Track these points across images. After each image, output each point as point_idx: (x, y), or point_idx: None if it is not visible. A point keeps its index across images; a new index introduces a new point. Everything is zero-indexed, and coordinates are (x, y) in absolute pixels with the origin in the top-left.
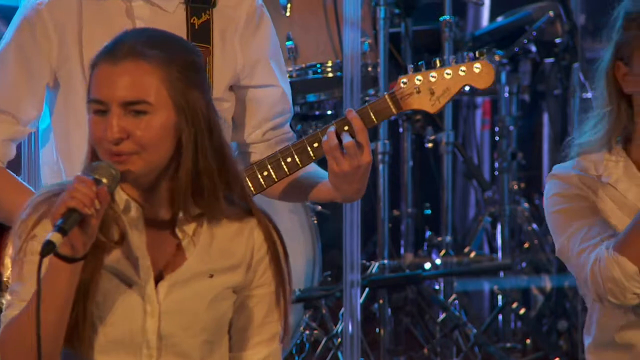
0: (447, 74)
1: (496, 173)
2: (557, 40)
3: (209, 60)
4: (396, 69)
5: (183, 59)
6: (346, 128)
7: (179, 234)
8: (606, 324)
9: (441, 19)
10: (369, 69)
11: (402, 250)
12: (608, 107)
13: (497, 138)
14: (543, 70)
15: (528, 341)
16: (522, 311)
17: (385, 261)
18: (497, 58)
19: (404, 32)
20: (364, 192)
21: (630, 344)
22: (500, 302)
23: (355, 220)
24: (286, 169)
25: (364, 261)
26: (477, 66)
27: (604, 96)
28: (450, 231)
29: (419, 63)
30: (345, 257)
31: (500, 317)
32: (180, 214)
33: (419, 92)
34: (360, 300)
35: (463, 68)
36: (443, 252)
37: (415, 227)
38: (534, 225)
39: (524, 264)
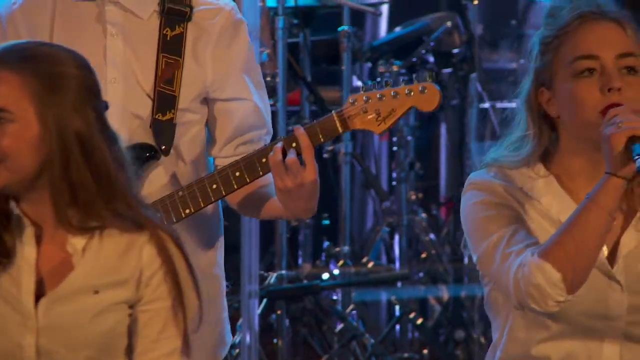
0: (394, 95)
1: (394, 183)
2: (455, 51)
3: (177, 73)
4: (295, 79)
5: (55, 74)
6: (293, 145)
7: (69, 249)
8: (520, 337)
9: (339, 29)
10: (268, 78)
11: (300, 261)
12: (530, 131)
13: (395, 148)
14: (441, 80)
15: (425, 351)
16: (419, 321)
17: (283, 272)
18: (395, 68)
19: (302, 42)
20: (314, 211)
21: (547, 357)
22: (397, 312)
23: (253, 231)
24: (234, 184)
25: (262, 272)
26: (422, 88)
27: (526, 122)
28: (348, 241)
29: (368, 83)
30: (244, 268)
31: (397, 327)
32: (67, 228)
33: (365, 112)
34: (258, 311)
35: (409, 89)
36: (341, 262)
37: (313, 237)
38: (432, 236)
39: (421, 274)
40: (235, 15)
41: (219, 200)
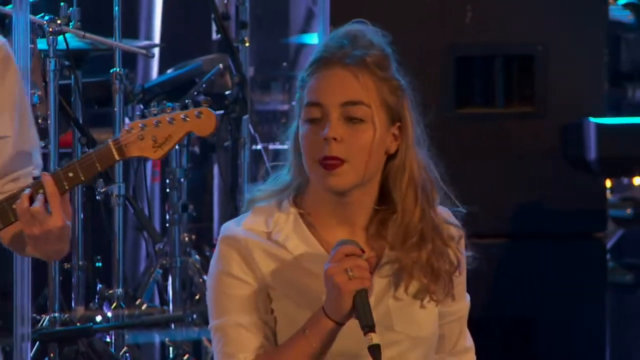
0: (170, 120)
1: (167, 225)
2: (227, 93)
3: None
4: (66, 120)
5: None
6: (41, 191)
7: None
8: None
9: (111, 71)
10: (40, 120)
11: (73, 304)
12: (290, 164)
13: (167, 190)
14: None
15: None
16: None
17: (56, 314)
18: (167, 110)
19: (74, 84)
20: (64, 252)
21: None
22: (171, 354)
23: (25, 273)
24: None
25: (35, 314)
26: (199, 113)
27: (289, 155)
28: (122, 283)
29: (144, 109)
30: (16, 310)
31: None
32: None
33: (142, 139)
34: (31, 354)
35: (185, 115)
36: (114, 304)
37: (86, 279)
38: (205, 277)
39: (195, 316)
40: (6, 50)
41: None
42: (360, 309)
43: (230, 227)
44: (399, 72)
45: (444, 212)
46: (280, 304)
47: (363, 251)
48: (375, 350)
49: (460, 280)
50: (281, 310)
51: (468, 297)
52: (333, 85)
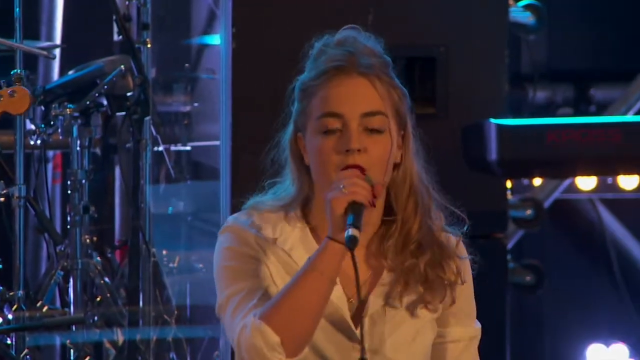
0: None
1: (68, 227)
2: (129, 94)
3: None
4: None
5: None
6: None
7: None
8: None
9: (12, 72)
10: None
11: None
12: (293, 176)
13: (69, 191)
14: (115, 123)
15: None
16: None
17: None
18: (68, 111)
19: None
20: None
21: None
22: (72, 356)
23: None
24: None
25: None
26: (12, 92)
27: (290, 167)
28: (22, 285)
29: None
30: None
31: None
32: None
33: None
34: None
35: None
36: (15, 306)
37: None
38: (107, 279)
39: (96, 318)
40: None
41: None
42: (353, 218)
43: (238, 223)
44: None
45: (440, 220)
46: None
47: (364, 173)
48: (353, 241)
49: (464, 296)
50: None
51: (478, 324)
52: (352, 95)
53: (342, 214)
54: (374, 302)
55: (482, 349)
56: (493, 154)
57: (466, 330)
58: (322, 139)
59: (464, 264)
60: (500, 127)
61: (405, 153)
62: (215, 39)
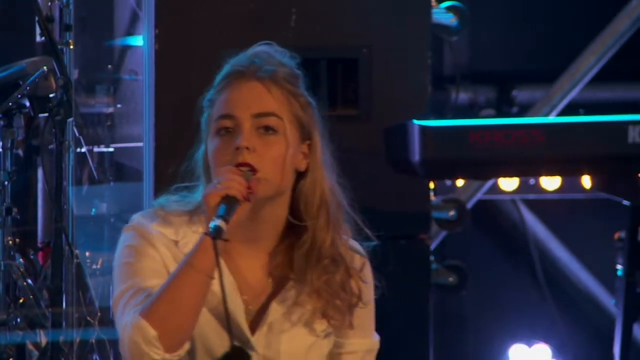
0: None
1: None
2: (51, 95)
3: None
4: None
5: None
6: None
7: None
8: None
9: None
10: None
11: None
12: (203, 186)
13: None
14: (37, 125)
15: None
16: None
17: None
18: None
19: None
20: None
21: None
22: None
23: None
24: None
25: None
26: None
27: (202, 178)
28: None
29: None
30: None
31: None
32: None
33: None
34: None
35: None
36: None
37: None
38: (29, 280)
39: (19, 320)
40: None
41: None
42: (223, 210)
43: (143, 222)
44: (309, 93)
45: (349, 240)
46: None
47: (255, 172)
48: (218, 231)
49: (365, 313)
50: None
51: (377, 336)
52: (245, 97)
53: (215, 208)
54: (275, 309)
55: (405, 348)
56: (416, 155)
57: (364, 342)
58: (217, 140)
59: (367, 287)
60: (423, 128)
61: (312, 163)
62: (138, 40)
